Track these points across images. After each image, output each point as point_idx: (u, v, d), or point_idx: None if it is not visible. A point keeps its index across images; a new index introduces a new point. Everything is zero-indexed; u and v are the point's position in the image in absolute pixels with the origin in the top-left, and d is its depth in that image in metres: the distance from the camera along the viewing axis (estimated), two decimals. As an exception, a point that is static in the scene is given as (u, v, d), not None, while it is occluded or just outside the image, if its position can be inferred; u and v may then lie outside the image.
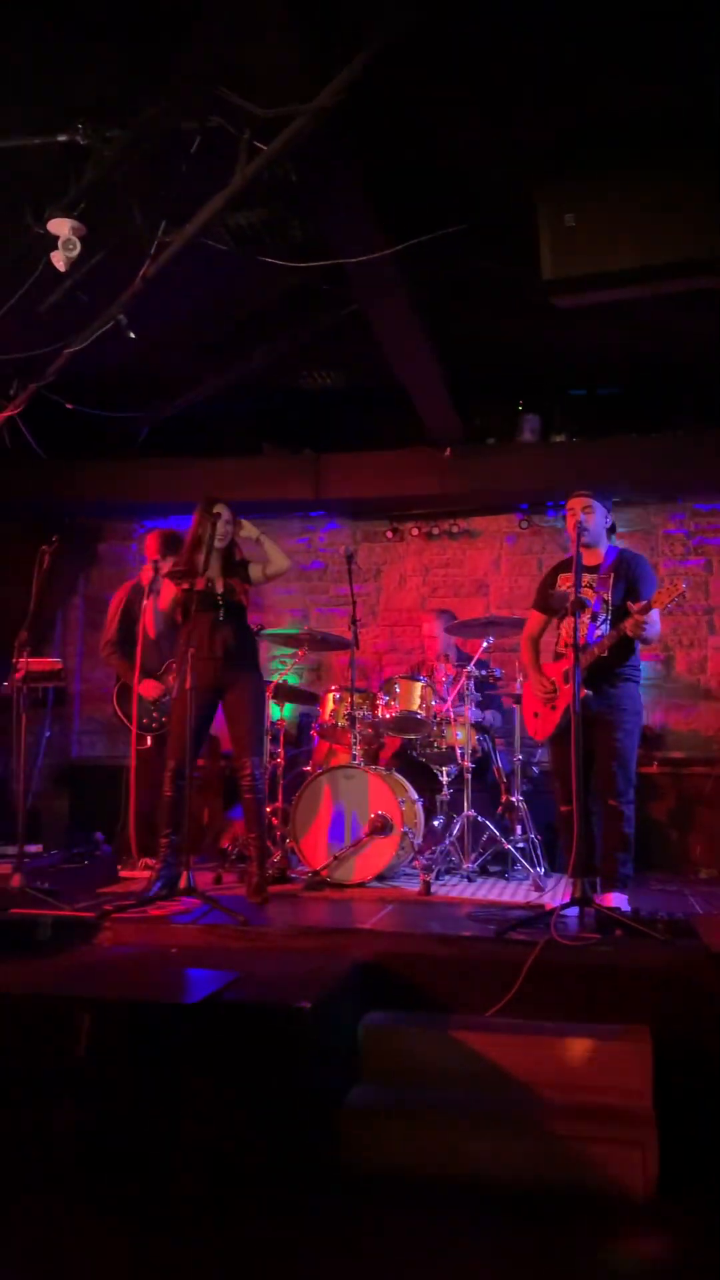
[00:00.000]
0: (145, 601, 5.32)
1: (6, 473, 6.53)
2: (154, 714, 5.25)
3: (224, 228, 4.38)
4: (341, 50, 3.09)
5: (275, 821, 5.30)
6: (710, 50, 3.40)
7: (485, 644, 5.67)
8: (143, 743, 5.23)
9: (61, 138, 3.59)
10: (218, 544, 4.51)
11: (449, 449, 6.61)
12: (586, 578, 4.45)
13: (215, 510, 4.52)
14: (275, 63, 3.19)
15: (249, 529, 4.63)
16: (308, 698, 6.15)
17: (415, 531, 7.31)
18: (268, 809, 5.48)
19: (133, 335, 4.49)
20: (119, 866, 5.16)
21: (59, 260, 3.89)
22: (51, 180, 3.83)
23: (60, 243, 3.86)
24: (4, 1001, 3.04)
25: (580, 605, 4.10)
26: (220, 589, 4.53)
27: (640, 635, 4.19)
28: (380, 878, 4.97)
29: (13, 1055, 2.97)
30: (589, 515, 4.45)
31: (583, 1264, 2.59)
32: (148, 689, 5.23)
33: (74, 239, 3.86)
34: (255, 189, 3.86)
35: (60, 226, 3.84)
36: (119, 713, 5.39)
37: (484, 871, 5.35)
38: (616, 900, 4.18)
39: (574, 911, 3.83)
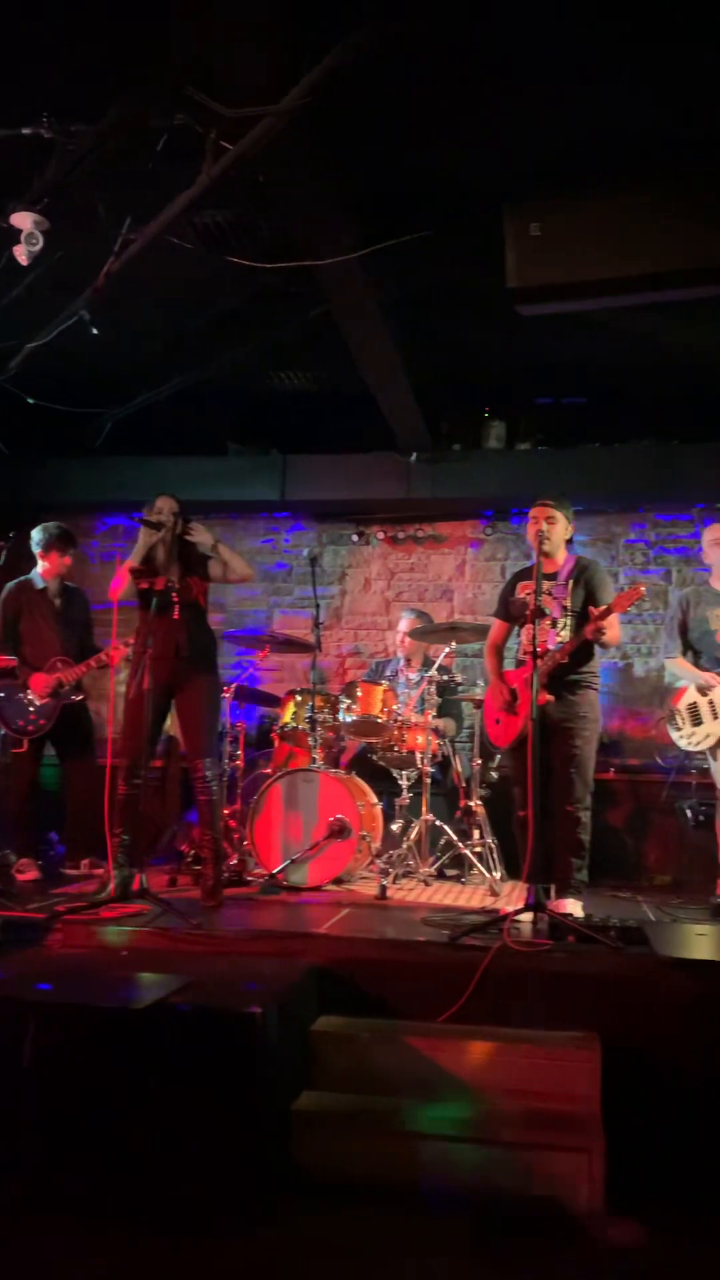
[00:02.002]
0: (36, 596, 5.27)
1: (-33, 467, 6.46)
2: (32, 716, 5.15)
3: (191, 226, 4.36)
4: (311, 53, 3.09)
5: (233, 824, 5.27)
6: (676, 69, 3.44)
7: (447, 649, 5.69)
8: (20, 745, 5.14)
9: (26, 131, 3.56)
10: (165, 540, 4.50)
11: (415, 454, 6.63)
12: (546, 585, 4.47)
13: (162, 507, 4.52)
14: (244, 63, 3.18)
15: (202, 534, 4.60)
16: (269, 700, 6.13)
17: (381, 535, 7.32)
18: (225, 811, 5.46)
19: (95, 331, 4.46)
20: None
21: (21, 254, 3.86)
22: (15, 174, 3.80)
23: (23, 236, 3.83)
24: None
25: (540, 613, 4.12)
26: (178, 587, 4.50)
27: (600, 640, 4.21)
28: (337, 881, 4.96)
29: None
30: (551, 524, 4.47)
31: (529, 1272, 2.59)
32: (38, 685, 5.12)
33: (37, 233, 3.83)
34: (223, 188, 3.85)
35: (23, 220, 3.82)
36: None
37: (441, 875, 5.37)
38: (570, 906, 4.20)
39: (529, 917, 3.84)
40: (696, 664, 4.76)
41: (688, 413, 6.39)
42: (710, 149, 3.60)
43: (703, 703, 4.62)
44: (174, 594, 4.44)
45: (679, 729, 4.73)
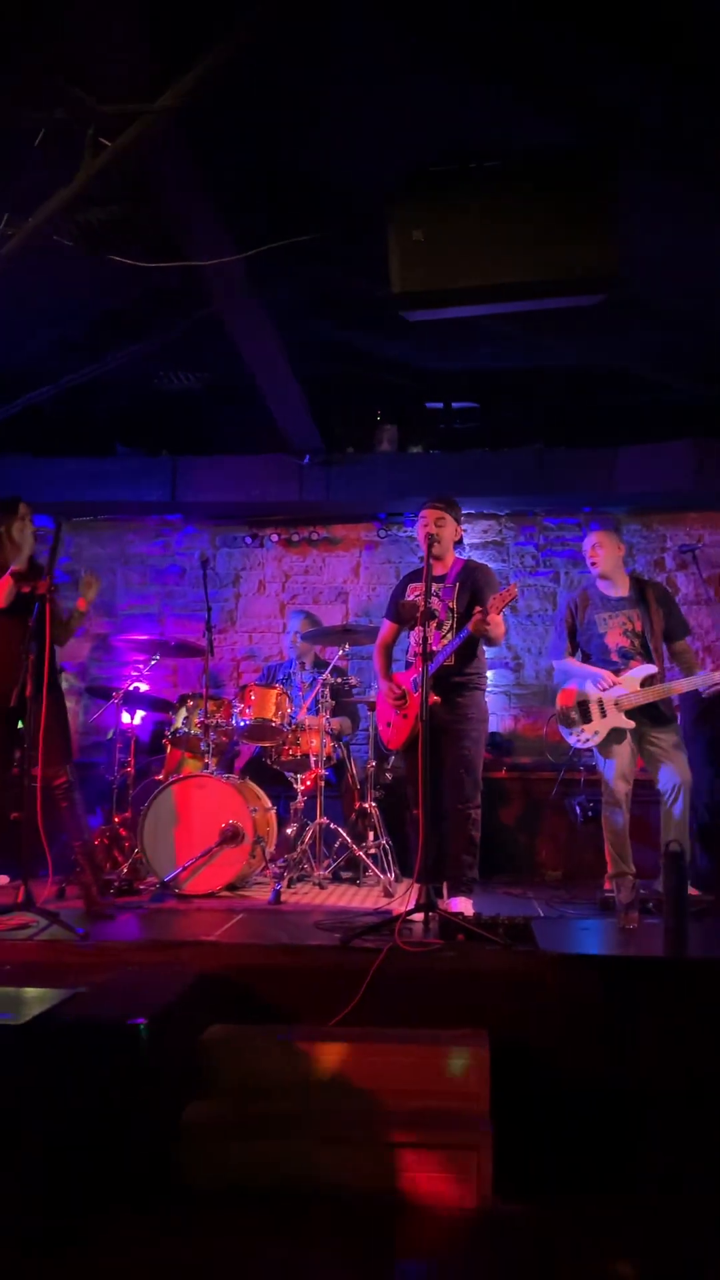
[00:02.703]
0: None
1: None
2: None
3: (74, 224, 4.27)
4: (190, 52, 3.06)
5: (124, 832, 5.18)
6: (557, 83, 3.52)
7: (341, 651, 5.70)
8: None
9: None
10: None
11: (308, 456, 6.63)
12: (434, 587, 4.52)
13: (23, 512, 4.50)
14: (122, 59, 3.13)
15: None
16: (161, 705, 6.04)
17: (275, 538, 7.30)
18: (116, 819, 5.37)
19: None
20: None
21: None
22: None
23: None
24: None
25: (430, 615, 4.16)
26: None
27: (485, 634, 4.26)
28: (231, 887, 4.92)
29: None
30: (440, 526, 4.52)
31: (416, 1269, 2.61)
32: None
33: None
34: (106, 187, 3.78)
35: None
36: None
37: (336, 878, 5.38)
38: (461, 905, 4.26)
39: (420, 917, 3.87)
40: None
41: (572, 418, 6.55)
42: (578, 163, 3.71)
43: (593, 701, 4.71)
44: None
45: (570, 727, 4.81)
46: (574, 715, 4.76)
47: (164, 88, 3.15)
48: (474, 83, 3.53)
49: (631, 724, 4.65)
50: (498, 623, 4.30)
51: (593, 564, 4.87)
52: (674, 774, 4.61)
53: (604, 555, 4.83)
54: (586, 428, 6.52)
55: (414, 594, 4.52)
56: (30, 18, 3.09)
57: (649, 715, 4.66)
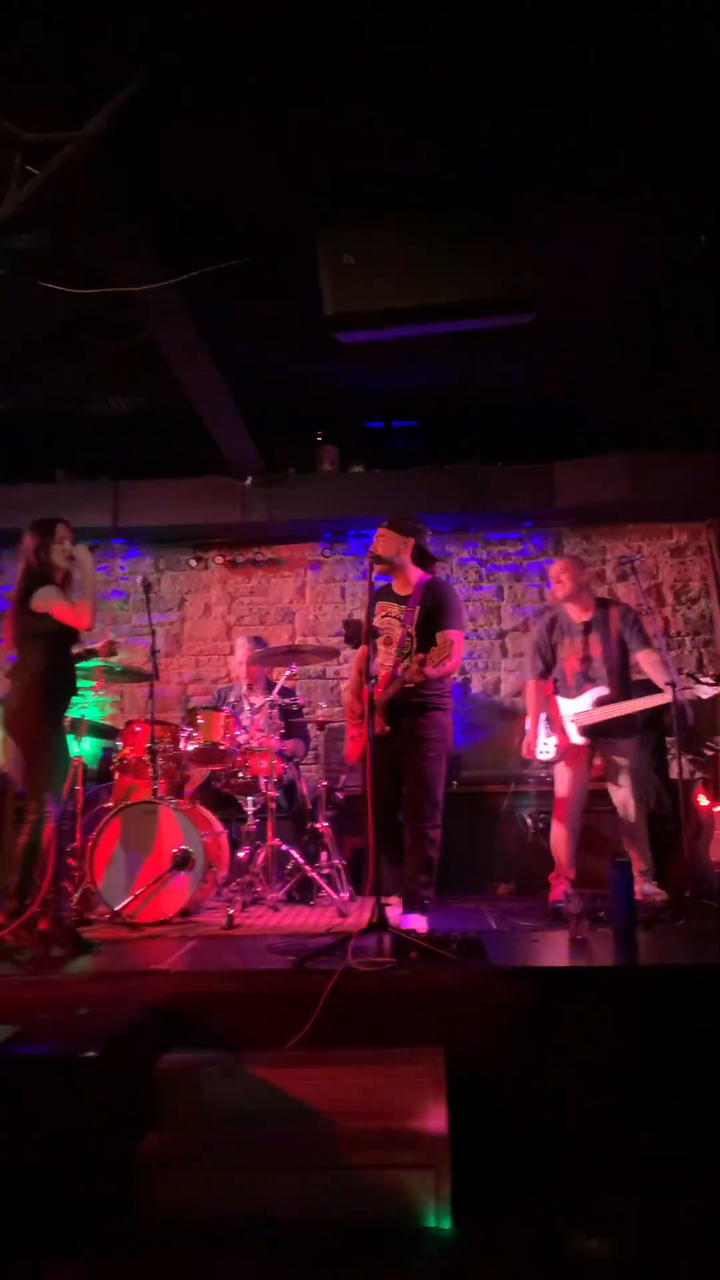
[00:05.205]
0: None
1: None
2: None
3: (3, 251, 4.24)
4: (111, 82, 3.07)
5: (72, 861, 5.10)
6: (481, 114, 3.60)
7: (288, 672, 5.69)
8: None
9: None
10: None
11: (249, 478, 6.63)
12: (396, 608, 4.54)
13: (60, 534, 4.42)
14: (41, 89, 3.13)
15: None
16: (109, 732, 5.98)
17: (219, 559, 7.28)
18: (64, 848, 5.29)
19: None
20: None
21: None
22: None
23: None
24: None
25: (374, 633, 4.18)
26: None
27: (420, 680, 4.24)
28: (183, 913, 4.87)
29: None
30: (380, 543, 4.54)
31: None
32: None
33: None
34: (34, 214, 3.76)
35: None
36: None
37: (290, 900, 5.35)
38: (416, 922, 4.25)
39: (373, 937, 3.86)
40: (556, 689, 5.01)
41: (510, 434, 6.64)
42: (487, 188, 3.80)
43: (554, 715, 4.94)
44: None
45: (542, 739, 4.97)
46: (543, 728, 4.95)
47: (87, 116, 3.15)
48: (382, 119, 3.60)
49: (584, 740, 4.86)
50: (435, 673, 4.25)
51: (557, 590, 5.04)
52: (627, 786, 4.81)
53: (564, 582, 5.01)
54: (524, 443, 6.61)
55: (380, 613, 4.53)
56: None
57: (605, 731, 4.84)
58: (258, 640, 6.27)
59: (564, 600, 5.02)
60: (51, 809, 4.18)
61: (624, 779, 4.84)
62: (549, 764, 5.03)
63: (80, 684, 4.76)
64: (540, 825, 5.70)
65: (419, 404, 6.51)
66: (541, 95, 3.50)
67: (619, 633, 4.90)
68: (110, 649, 5.17)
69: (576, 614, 5.00)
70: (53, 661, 4.26)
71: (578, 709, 4.88)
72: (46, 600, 4.22)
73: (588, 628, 4.96)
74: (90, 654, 5.01)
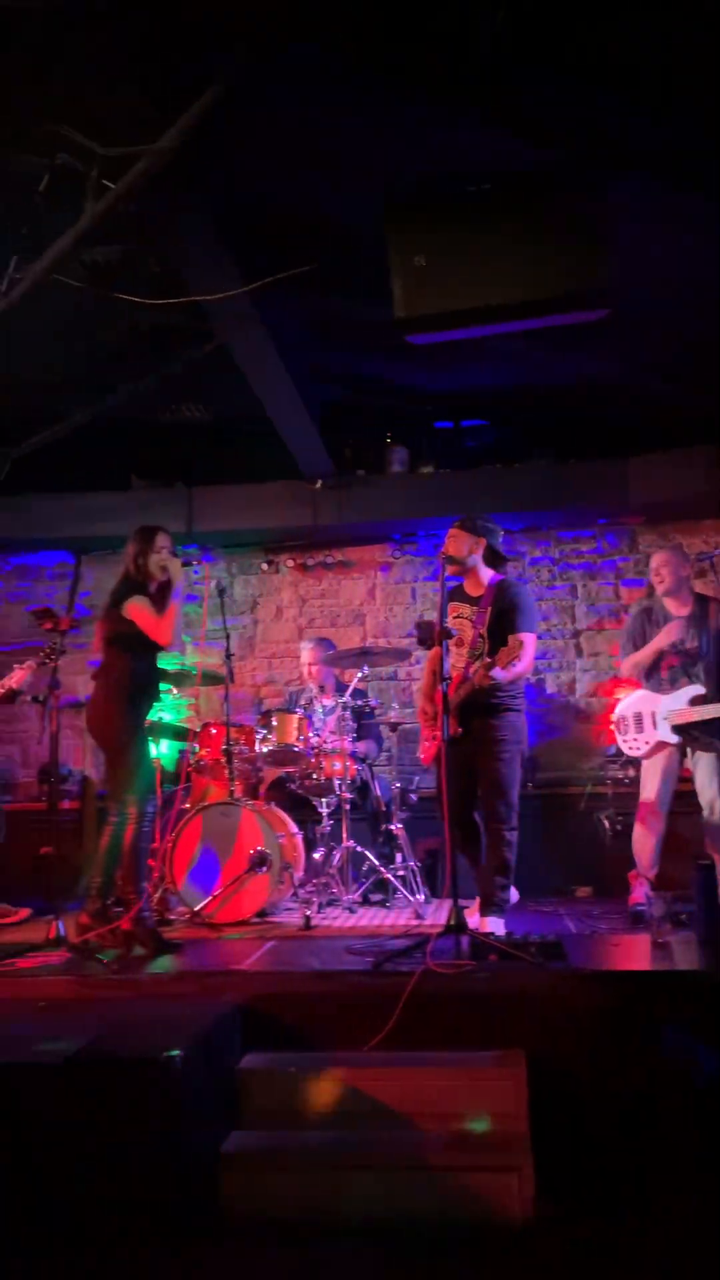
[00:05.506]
0: None
1: None
2: None
3: (80, 264, 4.34)
4: (185, 93, 3.11)
5: (152, 862, 5.18)
6: (553, 105, 3.57)
7: (360, 674, 5.71)
8: None
9: None
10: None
11: (320, 481, 6.67)
12: (468, 608, 4.53)
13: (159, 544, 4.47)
14: (118, 104, 3.19)
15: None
16: (185, 734, 6.06)
17: (290, 563, 7.33)
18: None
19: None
20: None
21: None
22: None
23: None
24: None
25: (446, 634, 4.16)
26: None
27: (489, 683, 4.23)
28: (260, 914, 4.92)
29: None
30: (452, 543, 4.53)
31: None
32: None
33: None
34: (110, 227, 3.83)
35: None
36: None
37: (365, 901, 5.36)
38: (493, 924, 4.23)
39: (451, 939, 3.85)
40: (649, 683, 4.91)
41: (582, 432, 6.56)
42: (566, 182, 3.76)
43: (647, 711, 4.77)
44: None
45: (623, 733, 4.87)
46: (628, 723, 4.84)
47: (163, 129, 3.20)
48: (458, 114, 3.58)
49: (675, 739, 4.71)
50: (505, 676, 4.22)
51: (657, 584, 4.95)
52: (716, 786, 4.65)
53: (665, 577, 4.91)
54: (597, 439, 6.53)
55: (452, 614, 4.51)
56: (25, 68, 3.16)
57: (697, 730, 4.71)
58: (323, 642, 6.29)
59: (663, 595, 4.92)
60: (133, 811, 4.25)
61: (715, 779, 4.69)
62: (638, 760, 4.93)
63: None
64: (619, 827, 5.62)
65: (489, 402, 6.48)
66: (617, 82, 3.43)
67: (718, 629, 4.80)
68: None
69: (675, 608, 4.90)
70: (136, 666, 4.34)
71: (672, 706, 4.73)
72: (136, 608, 4.29)
73: (687, 622, 4.85)
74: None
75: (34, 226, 3.89)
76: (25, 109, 3.28)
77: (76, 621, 4.43)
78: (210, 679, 5.91)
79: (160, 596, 4.39)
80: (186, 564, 4.50)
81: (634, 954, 4.03)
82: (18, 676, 4.95)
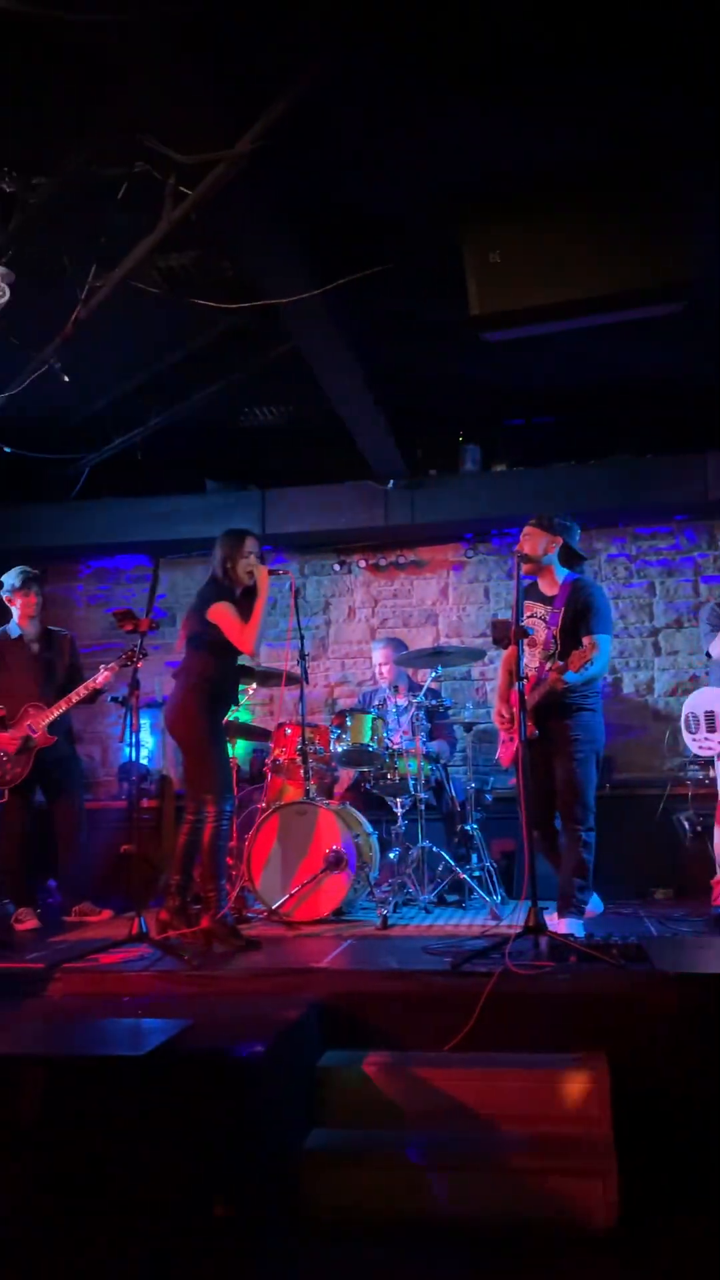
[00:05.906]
0: (12, 646, 5.28)
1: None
2: (8, 766, 5.09)
3: (156, 270, 4.41)
4: (259, 99, 3.14)
5: (229, 860, 5.24)
6: (624, 99, 3.51)
7: (433, 673, 5.69)
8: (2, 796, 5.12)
9: (-13, 186, 3.61)
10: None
11: (392, 481, 6.67)
12: (542, 608, 4.49)
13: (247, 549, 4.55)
14: (195, 112, 3.23)
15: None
16: (260, 734, 6.12)
17: (363, 563, 7.34)
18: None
19: (66, 379, 4.49)
20: None
21: (-12, 307, 3.89)
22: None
23: (-11, 290, 3.87)
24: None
25: (522, 633, 4.12)
26: None
27: (562, 686, 4.18)
28: (337, 913, 4.94)
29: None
30: (527, 541, 4.49)
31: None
32: (2, 742, 5.10)
33: (3, 285, 3.86)
34: (185, 232, 3.89)
35: (-12, 274, 3.85)
36: None
37: (441, 902, 5.35)
38: (571, 926, 4.19)
39: (530, 940, 3.82)
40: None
41: (658, 426, 6.45)
42: (641, 174, 3.70)
43: (719, 709, 4.69)
44: None
45: (693, 732, 4.77)
46: (698, 721, 4.73)
47: (237, 134, 3.24)
48: (529, 113, 3.56)
49: None
50: (578, 676, 4.16)
51: None
52: None
53: None
54: (674, 434, 6.41)
55: (526, 613, 4.47)
56: (108, 80, 3.23)
57: None
58: (393, 642, 6.29)
59: None
60: (211, 809, 4.30)
61: None
62: (715, 760, 4.83)
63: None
64: (699, 829, 5.52)
65: (562, 398, 6.40)
66: (689, 72, 3.38)
67: None
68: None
69: None
70: (216, 668, 4.38)
71: None
72: (220, 612, 4.34)
73: None
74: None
75: (111, 235, 3.96)
76: (108, 121, 3.34)
77: (155, 623, 4.48)
78: (286, 679, 5.94)
79: (245, 602, 4.42)
80: (273, 571, 4.52)
81: (718, 956, 3.95)
82: (103, 677, 5.05)
